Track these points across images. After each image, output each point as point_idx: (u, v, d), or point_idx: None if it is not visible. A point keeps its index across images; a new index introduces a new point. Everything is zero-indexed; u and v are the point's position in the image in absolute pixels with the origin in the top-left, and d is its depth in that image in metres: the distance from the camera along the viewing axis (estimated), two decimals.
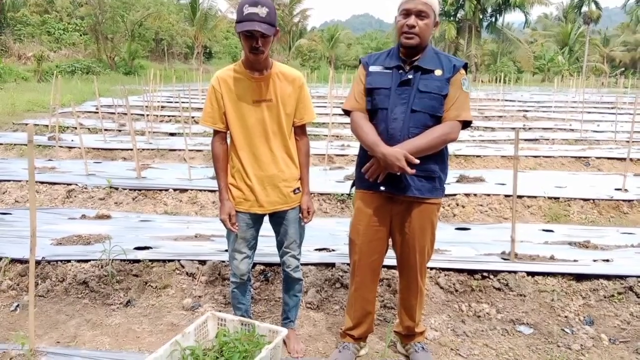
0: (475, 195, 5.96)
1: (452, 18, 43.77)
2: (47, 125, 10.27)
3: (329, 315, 3.44)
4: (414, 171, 2.41)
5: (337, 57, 56.18)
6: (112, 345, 3.07)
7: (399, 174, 2.45)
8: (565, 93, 26.54)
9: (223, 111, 2.62)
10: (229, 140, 2.72)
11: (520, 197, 5.96)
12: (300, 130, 2.78)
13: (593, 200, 5.88)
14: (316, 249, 3.97)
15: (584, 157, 8.41)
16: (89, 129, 10.73)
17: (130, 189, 5.89)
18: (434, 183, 2.59)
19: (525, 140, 10.60)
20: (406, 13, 2.46)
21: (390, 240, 2.77)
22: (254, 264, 3.74)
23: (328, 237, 4.34)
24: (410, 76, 2.51)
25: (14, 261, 3.74)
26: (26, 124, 10.80)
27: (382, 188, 2.57)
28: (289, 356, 2.95)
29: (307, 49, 51.67)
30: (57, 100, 9.19)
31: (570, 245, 4.23)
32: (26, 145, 8.39)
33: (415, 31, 2.45)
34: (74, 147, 8.34)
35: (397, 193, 2.57)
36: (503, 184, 6.31)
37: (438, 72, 2.51)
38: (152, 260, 3.77)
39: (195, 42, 41.83)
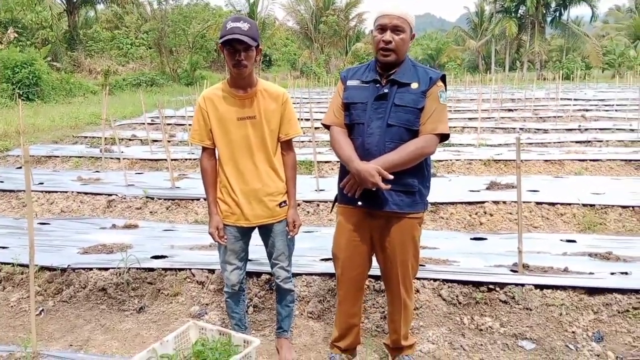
0: (504, 202, 5.80)
1: (513, 14, 42.28)
2: (100, 137, 10.91)
3: (328, 326, 3.49)
4: (388, 187, 2.42)
5: None
6: (119, 349, 3.28)
7: (374, 189, 2.47)
8: (635, 90, 24.92)
9: (209, 128, 2.75)
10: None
11: (553, 204, 5.74)
12: (286, 145, 2.87)
13: (632, 207, 5.55)
14: (322, 259, 4.02)
15: (635, 160, 7.93)
16: (141, 140, 11.31)
17: (164, 199, 6.20)
18: (413, 197, 2.59)
19: (577, 142, 10.11)
20: (381, 28, 2.48)
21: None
22: (259, 274, 3.87)
23: None
24: (386, 90, 2.52)
25: (43, 268, 4.06)
26: (85, 137, 11.58)
27: (359, 203, 2.59)
28: None
29: (364, 53, 51.59)
30: (107, 114, 9.76)
31: (590, 257, 4.03)
32: (80, 157, 9.03)
33: (392, 47, 2.47)
34: (123, 159, 8.83)
35: (375, 208, 2.58)
36: (536, 191, 6.09)
37: (414, 86, 2.51)
38: (165, 269, 3.98)
39: None
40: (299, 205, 5.91)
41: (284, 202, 2.86)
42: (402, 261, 2.67)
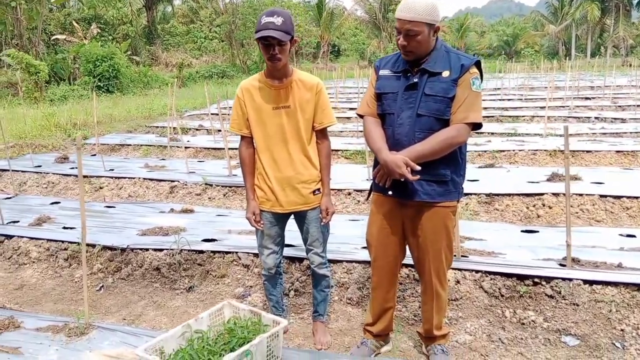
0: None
1: None
2: (166, 127, 11.45)
3: (366, 312, 3.52)
4: (416, 177, 2.39)
5: (468, 46, 53.95)
6: (167, 324, 3.49)
7: (402, 180, 2.47)
8: None
9: (246, 117, 2.86)
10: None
11: (619, 197, 5.42)
12: (320, 134, 2.92)
13: None
14: (364, 247, 4.04)
15: None
16: (207, 130, 11.75)
17: (222, 186, 6.46)
18: (445, 186, 2.55)
19: None
20: (397, 31, 2.46)
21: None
22: (301, 259, 3.96)
23: None
24: (416, 80, 2.50)
25: (105, 248, 4.38)
26: (156, 127, 12.20)
27: (389, 193, 2.61)
28: (313, 347, 3.13)
29: None
30: (179, 105, 10.20)
31: None
32: (149, 145, 9.54)
33: (408, 50, 2.45)
34: (189, 147, 9.25)
35: (405, 198, 2.58)
36: (600, 183, 5.76)
37: (445, 74, 2.46)
38: (214, 252, 4.17)
39: (322, 42, 43.08)
40: (349, 194, 5.96)
41: (318, 189, 2.92)
42: (434, 250, 2.65)
